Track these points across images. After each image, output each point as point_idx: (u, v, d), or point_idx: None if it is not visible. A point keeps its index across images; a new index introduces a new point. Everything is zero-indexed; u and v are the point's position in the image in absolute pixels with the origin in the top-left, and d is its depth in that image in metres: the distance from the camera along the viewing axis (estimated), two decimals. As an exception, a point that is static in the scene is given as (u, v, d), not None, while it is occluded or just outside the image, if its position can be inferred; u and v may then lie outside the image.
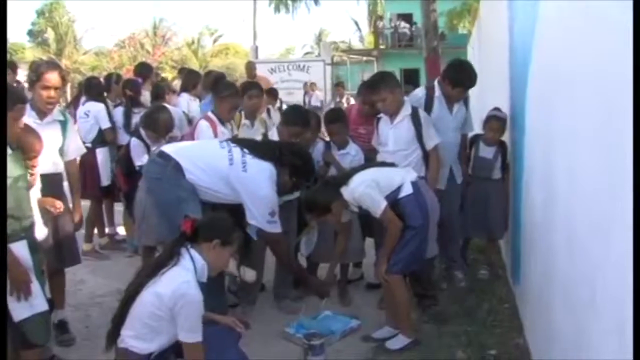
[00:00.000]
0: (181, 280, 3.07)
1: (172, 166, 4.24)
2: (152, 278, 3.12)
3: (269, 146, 4.54)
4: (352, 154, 5.12)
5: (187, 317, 3.04)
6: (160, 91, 7.01)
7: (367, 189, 4.07)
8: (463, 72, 5.13)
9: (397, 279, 4.20)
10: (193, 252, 3.23)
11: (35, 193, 3.82)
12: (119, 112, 6.96)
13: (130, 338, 3.12)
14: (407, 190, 4.11)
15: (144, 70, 8.31)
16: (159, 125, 5.61)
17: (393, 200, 4.08)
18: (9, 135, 3.22)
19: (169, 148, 4.46)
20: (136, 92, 7.04)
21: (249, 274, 4.40)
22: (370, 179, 4.12)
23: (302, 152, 4.64)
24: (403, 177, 4.19)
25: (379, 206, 4.05)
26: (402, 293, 4.23)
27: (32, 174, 3.69)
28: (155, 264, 3.23)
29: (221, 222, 3.46)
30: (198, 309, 3.08)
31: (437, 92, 5.12)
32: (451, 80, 5.01)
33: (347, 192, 4.14)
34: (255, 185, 4.25)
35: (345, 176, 4.32)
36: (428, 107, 5.07)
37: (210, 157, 4.34)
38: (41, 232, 3.79)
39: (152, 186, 4.49)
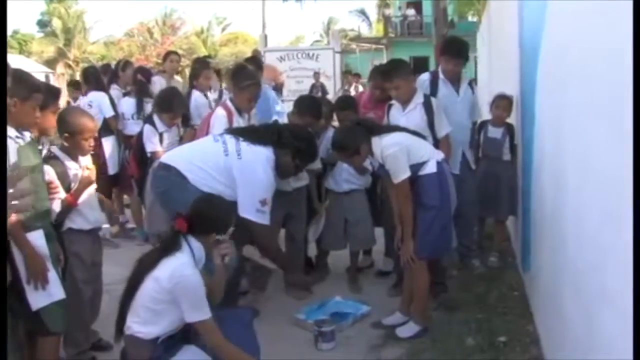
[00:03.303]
0: (178, 263, 3.11)
1: (174, 175, 4.21)
2: (154, 267, 3.15)
3: (267, 130, 4.48)
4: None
5: (189, 298, 3.06)
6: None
7: (398, 152, 4.03)
8: (455, 43, 5.33)
9: (422, 265, 4.20)
10: (191, 239, 3.25)
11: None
12: (128, 102, 6.98)
13: (135, 324, 3.15)
14: (431, 168, 4.09)
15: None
16: (174, 104, 5.64)
17: (414, 173, 4.06)
18: (27, 123, 3.27)
19: (166, 158, 4.43)
20: (147, 79, 7.04)
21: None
22: (405, 144, 4.08)
23: (304, 133, 4.61)
24: (430, 154, 4.16)
25: (402, 173, 4.03)
26: (424, 279, 4.23)
27: (89, 168, 3.86)
28: (155, 254, 3.25)
29: (214, 214, 3.44)
30: (197, 288, 3.09)
31: (442, 75, 5.19)
32: (447, 53, 5.15)
33: (377, 143, 4.10)
34: (250, 171, 4.20)
35: (377, 127, 4.31)
36: (433, 89, 5.13)
37: (206, 154, 4.30)
38: (98, 218, 3.99)
39: (162, 200, 4.41)
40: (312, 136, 4.71)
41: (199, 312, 3.09)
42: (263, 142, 4.31)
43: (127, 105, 6.97)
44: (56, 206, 3.63)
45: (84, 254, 3.85)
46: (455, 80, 5.19)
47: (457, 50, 5.16)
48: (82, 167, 3.83)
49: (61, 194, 3.66)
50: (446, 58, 5.13)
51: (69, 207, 3.70)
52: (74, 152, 3.80)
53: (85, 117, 3.90)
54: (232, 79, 5.21)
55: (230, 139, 4.31)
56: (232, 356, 3.16)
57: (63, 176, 3.70)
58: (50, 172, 3.60)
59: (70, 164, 3.77)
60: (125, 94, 7.21)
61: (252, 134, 4.37)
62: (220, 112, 4.99)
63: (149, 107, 6.47)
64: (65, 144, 3.79)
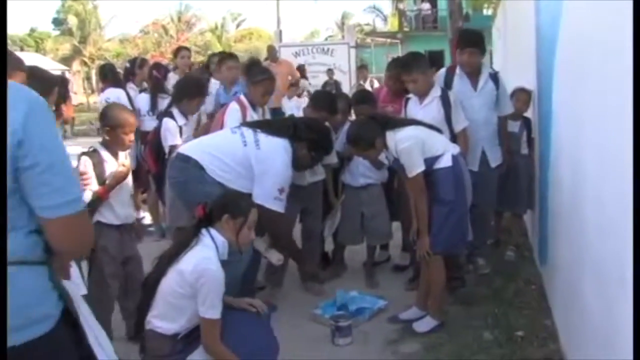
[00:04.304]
0: (202, 257, 3.12)
1: (192, 165, 4.23)
2: (175, 261, 3.16)
3: (283, 123, 4.54)
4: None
5: (209, 293, 3.05)
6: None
7: (413, 146, 4.01)
8: (467, 33, 5.35)
9: (438, 259, 4.19)
10: (213, 231, 3.27)
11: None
12: (143, 98, 7.01)
13: (155, 318, 3.16)
14: (446, 162, 4.06)
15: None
16: (193, 89, 5.63)
17: (429, 167, 4.04)
18: None
19: (184, 149, 4.44)
20: (163, 76, 7.07)
21: (276, 257, 4.40)
22: (419, 137, 4.06)
23: (319, 126, 4.62)
24: (445, 147, 4.14)
25: (416, 167, 4.02)
26: (440, 273, 4.22)
27: (125, 165, 3.92)
28: (176, 248, 3.26)
29: (228, 197, 3.55)
30: (219, 286, 3.10)
31: (459, 70, 5.07)
32: (460, 44, 5.05)
33: (391, 137, 4.09)
34: (269, 161, 4.23)
35: (392, 121, 4.28)
36: (448, 83, 5.04)
37: (224, 145, 4.33)
38: (128, 214, 4.01)
39: (178, 191, 4.41)
40: (328, 129, 4.73)
41: (212, 310, 3.07)
42: (279, 134, 4.34)
43: (143, 101, 6.98)
44: (87, 196, 3.65)
45: (112, 249, 3.88)
46: (474, 74, 5.02)
47: (468, 39, 5.06)
48: (119, 163, 3.88)
49: (93, 185, 3.71)
50: (460, 49, 5.01)
51: (99, 199, 3.74)
52: (113, 147, 3.86)
53: (127, 112, 4.05)
54: (246, 73, 5.22)
55: (247, 131, 4.35)
56: None
57: (99, 167, 3.75)
58: (86, 163, 3.69)
59: (107, 158, 3.83)
60: (141, 91, 7.23)
61: (269, 127, 4.41)
62: (234, 107, 5.00)
63: (164, 103, 6.47)
64: (107, 137, 3.86)
